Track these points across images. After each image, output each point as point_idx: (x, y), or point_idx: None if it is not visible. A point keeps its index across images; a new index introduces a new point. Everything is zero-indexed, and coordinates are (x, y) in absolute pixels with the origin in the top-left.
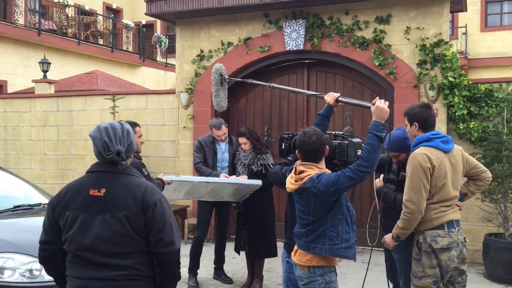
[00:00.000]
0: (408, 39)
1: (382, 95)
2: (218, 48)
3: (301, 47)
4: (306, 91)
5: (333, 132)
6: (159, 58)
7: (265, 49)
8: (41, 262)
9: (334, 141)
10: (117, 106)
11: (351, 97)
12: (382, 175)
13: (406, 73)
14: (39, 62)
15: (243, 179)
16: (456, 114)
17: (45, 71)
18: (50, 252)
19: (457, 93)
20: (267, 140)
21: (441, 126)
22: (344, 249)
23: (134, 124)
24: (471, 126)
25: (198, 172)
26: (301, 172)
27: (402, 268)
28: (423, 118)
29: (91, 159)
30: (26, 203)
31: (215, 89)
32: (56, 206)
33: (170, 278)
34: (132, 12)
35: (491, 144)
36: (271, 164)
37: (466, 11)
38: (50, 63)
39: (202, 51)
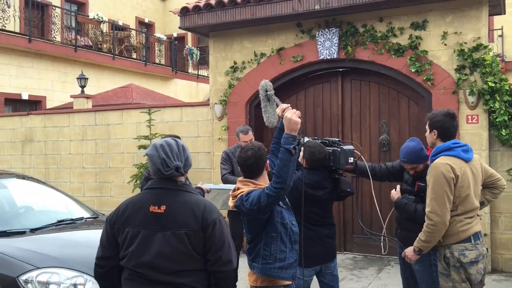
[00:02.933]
0: (445, 45)
1: (419, 102)
2: (251, 59)
3: (335, 56)
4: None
5: (330, 139)
6: (190, 70)
7: (298, 59)
8: (97, 278)
9: (328, 148)
10: (152, 119)
11: (388, 105)
12: (398, 186)
13: (444, 79)
14: (77, 78)
15: None
16: (497, 120)
17: (82, 87)
18: (107, 268)
19: (498, 98)
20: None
21: (482, 132)
22: (277, 269)
23: (176, 138)
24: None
25: (226, 182)
26: (238, 189)
27: (423, 279)
28: (444, 127)
29: (128, 172)
30: (68, 217)
31: (263, 105)
32: (115, 222)
33: None
34: (164, 26)
35: None
36: None
37: (505, 13)
38: (87, 78)
39: (235, 63)
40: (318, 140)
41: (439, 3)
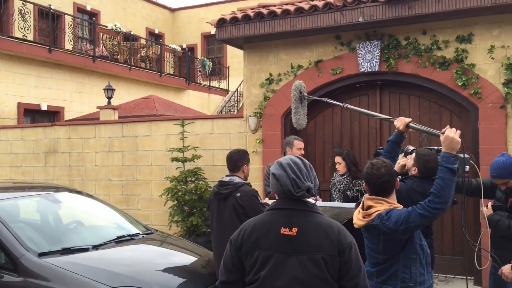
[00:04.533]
0: (492, 58)
1: (463, 116)
2: (288, 71)
3: (376, 69)
4: (378, 114)
5: (435, 148)
6: (201, 81)
7: (338, 71)
8: None
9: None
10: (186, 132)
11: (429, 118)
12: (490, 203)
13: (492, 93)
14: (104, 89)
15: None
16: None
17: (109, 98)
18: None
19: None
20: (332, 165)
21: None
22: None
23: (246, 152)
24: None
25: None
26: (369, 207)
27: None
28: None
29: (156, 185)
30: (126, 233)
31: (295, 106)
32: (242, 245)
33: None
34: (173, 37)
35: None
36: None
37: None
38: (114, 89)
39: (271, 75)
40: (430, 149)
41: (485, 17)
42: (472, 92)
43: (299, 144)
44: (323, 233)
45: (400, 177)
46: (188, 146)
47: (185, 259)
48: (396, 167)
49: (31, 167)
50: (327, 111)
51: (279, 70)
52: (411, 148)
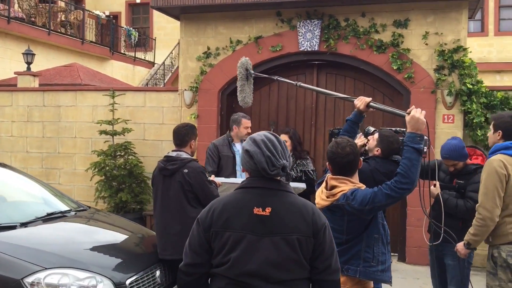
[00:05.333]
0: (426, 44)
1: (395, 100)
2: (226, 46)
3: (316, 48)
4: (335, 93)
5: (393, 129)
6: (125, 52)
7: (278, 49)
8: (182, 287)
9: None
10: (116, 103)
11: None
12: (437, 183)
13: (424, 78)
14: (23, 53)
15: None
16: (474, 121)
17: (28, 63)
18: (196, 276)
19: (475, 100)
20: None
21: (457, 132)
22: (380, 272)
23: (193, 127)
24: (488, 134)
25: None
26: (333, 187)
27: (454, 274)
28: (510, 129)
29: (80, 158)
30: (57, 209)
31: (240, 84)
32: (212, 225)
33: None
34: (95, 2)
35: None
36: (311, 170)
37: (474, 18)
38: (34, 54)
39: (209, 48)
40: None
41: (421, 3)
42: (406, 76)
43: (246, 122)
44: (297, 213)
45: (362, 157)
46: (118, 119)
47: (123, 237)
48: None
49: None
50: (264, 88)
51: (217, 44)
52: (372, 129)
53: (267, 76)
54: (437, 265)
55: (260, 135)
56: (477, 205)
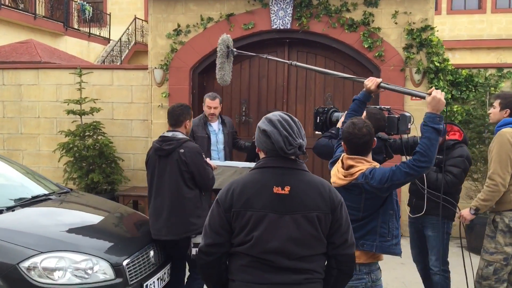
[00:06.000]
0: (396, 23)
1: (366, 77)
2: (197, 23)
3: (288, 26)
4: (340, 74)
5: (377, 107)
6: (79, 27)
7: (250, 27)
8: (203, 267)
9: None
10: (84, 82)
11: (333, 79)
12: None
13: (393, 57)
14: None
15: None
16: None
17: None
18: (217, 256)
19: (441, 78)
20: (245, 121)
21: (424, 108)
22: (394, 246)
23: (188, 107)
24: (454, 110)
25: None
26: (350, 166)
27: (435, 244)
28: None
29: (45, 139)
30: (41, 192)
31: (220, 61)
32: (232, 206)
33: (346, 280)
34: None
35: (476, 127)
36: None
37: None
38: None
39: (179, 25)
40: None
41: None
42: (376, 54)
43: (209, 102)
44: (315, 191)
45: None
46: (86, 98)
47: (114, 218)
48: (340, 125)
49: None
50: (235, 67)
51: (188, 21)
52: None
53: (254, 54)
54: (417, 237)
55: (275, 115)
56: (490, 172)
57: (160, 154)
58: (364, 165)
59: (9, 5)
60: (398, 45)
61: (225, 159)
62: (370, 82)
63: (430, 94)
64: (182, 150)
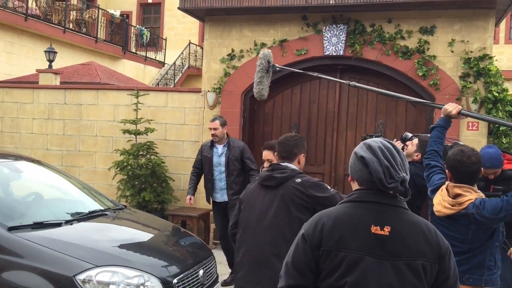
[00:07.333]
0: (452, 52)
1: (418, 106)
2: (251, 48)
3: (341, 53)
4: (411, 98)
5: (429, 135)
6: (136, 51)
7: (302, 52)
8: None
9: None
10: (140, 103)
11: (385, 106)
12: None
13: (449, 85)
14: (45, 51)
15: None
16: (500, 128)
17: (50, 61)
18: None
19: (500, 108)
20: None
21: (481, 139)
22: (498, 277)
23: (303, 139)
24: None
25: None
26: (458, 195)
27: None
28: None
29: (101, 157)
30: (97, 208)
31: (259, 75)
32: (322, 243)
33: None
34: (107, 1)
35: None
36: None
37: (498, 26)
38: (56, 52)
39: (233, 50)
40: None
41: (448, 11)
42: (431, 83)
43: (210, 124)
44: (420, 234)
45: None
46: (141, 118)
47: (166, 237)
48: None
49: None
50: (286, 91)
51: (241, 46)
52: (409, 134)
53: (300, 71)
54: None
55: (375, 141)
56: None
57: (267, 184)
58: (472, 194)
59: (73, 29)
60: (454, 73)
61: (226, 181)
62: (451, 107)
63: None
64: (298, 180)
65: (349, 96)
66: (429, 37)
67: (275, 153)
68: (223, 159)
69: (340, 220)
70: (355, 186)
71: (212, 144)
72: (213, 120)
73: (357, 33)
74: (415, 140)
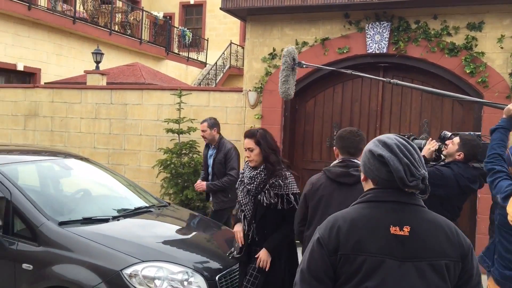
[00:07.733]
0: (501, 48)
1: (465, 104)
2: None
3: (384, 50)
4: (466, 97)
5: (471, 133)
6: (177, 51)
7: (345, 51)
8: None
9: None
10: (183, 103)
11: (430, 104)
12: None
13: (498, 83)
14: (92, 53)
15: None
16: None
17: (97, 62)
18: None
19: None
20: (330, 145)
21: None
22: None
23: (363, 134)
24: None
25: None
26: None
27: None
28: None
29: (145, 155)
30: (143, 204)
31: (285, 74)
32: (339, 248)
33: None
34: (150, 3)
35: None
36: (292, 194)
37: None
38: (103, 54)
39: (274, 50)
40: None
41: (496, 5)
42: (479, 80)
43: (200, 126)
44: (441, 233)
45: (442, 162)
46: (184, 117)
47: (209, 234)
48: (426, 152)
49: (8, 129)
50: (328, 90)
51: (283, 45)
52: (448, 133)
53: (327, 68)
54: None
55: (390, 138)
56: None
57: (343, 182)
58: None
59: (119, 31)
60: (504, 70)
61: (211, 181)
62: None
63: None
64: None
65: (393, 95)
66: (477, 33)
67: (257, 141)
68: (210, 161)
69: (356, 222)
70: (368, 185)
71: (207, 145)
72: (202, 122)
73: (401, 30)
74: (456, 139)
